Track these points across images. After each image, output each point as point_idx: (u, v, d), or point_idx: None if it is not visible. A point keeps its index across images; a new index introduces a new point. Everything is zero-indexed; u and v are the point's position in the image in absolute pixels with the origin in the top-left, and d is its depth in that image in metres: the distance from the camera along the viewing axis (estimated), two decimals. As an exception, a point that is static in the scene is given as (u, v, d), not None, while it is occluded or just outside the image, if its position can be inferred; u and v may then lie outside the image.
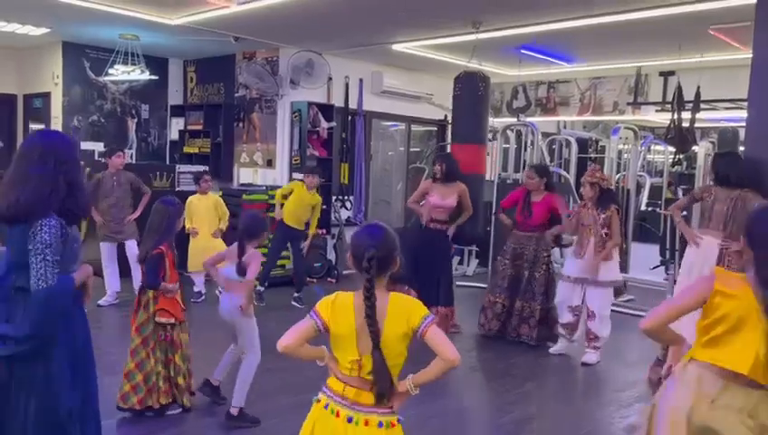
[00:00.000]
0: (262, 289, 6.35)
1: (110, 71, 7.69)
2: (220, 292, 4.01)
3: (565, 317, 5.18)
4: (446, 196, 5.45)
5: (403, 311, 1.91)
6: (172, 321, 3.59)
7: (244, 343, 3.62)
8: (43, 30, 7.30)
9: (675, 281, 5.24)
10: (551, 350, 5.23)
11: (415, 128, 9.75)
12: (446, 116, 9.13)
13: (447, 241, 5.61)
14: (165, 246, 3.54)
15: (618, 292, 6.32)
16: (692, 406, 2.02)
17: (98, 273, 6.05)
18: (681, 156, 6.64)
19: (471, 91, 6.26)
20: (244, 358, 3.60)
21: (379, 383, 1.89)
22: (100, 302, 5.97)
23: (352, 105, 8.50)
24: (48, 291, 2.07)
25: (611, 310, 5.19)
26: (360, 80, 8.53)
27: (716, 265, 4.10)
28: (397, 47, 7.46)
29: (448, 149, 8.57)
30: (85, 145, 7.78)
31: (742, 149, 6.70)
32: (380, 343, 1.87)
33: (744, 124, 6.48)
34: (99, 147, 7.94)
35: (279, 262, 6.82)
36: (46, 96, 8.24)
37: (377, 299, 1.87)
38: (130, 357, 3.57)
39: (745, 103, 5.79)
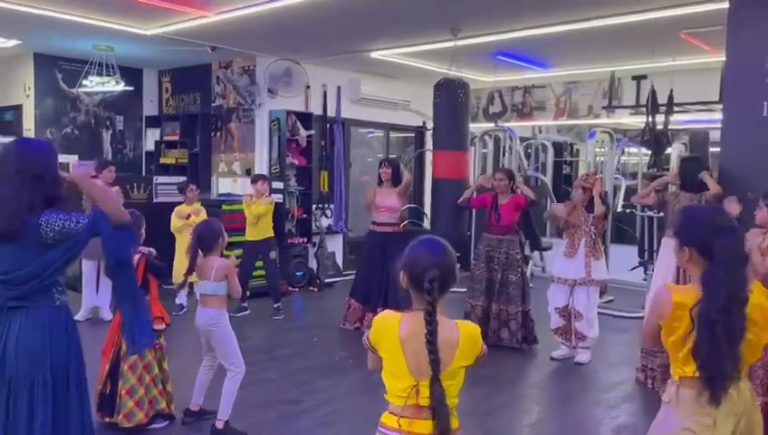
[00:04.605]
0: (245, 304, 6.39)
1: (84, 82, 7.57)
2: None
3: (554, 322, 5.22)
4: (386, 198, 5.87)
5: (475, 341, 1.83)
6: (163, 327, 3.61)
7: (223, 356, 3.56)
8: (14, 42, 7.16)
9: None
10: (553, 355, 5.21)
11: (393, 134, 9.77)
12: (424, 123, 9.16)
13: (400, 243, 5.65)
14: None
15: (600, 293, 6.39)
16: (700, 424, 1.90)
17: (76, 288, 5.97)
18: (656, 158, 6.73)
19: (451, 98, 6.30)
20: (228, 370, 3.54)
21: (440, 419, 1.73)
22: (76, 317, 5.85)
23: (331, 113, 8.48)
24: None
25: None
26: (338, 87, 8.52)
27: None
28: (374, 55, 7.48)
29: (427, 156, 8.64)
30: (59, 158, 7.60)
31: (712, 150, 6.84)
32: (441, 373, 1.72)
33: (713, 126, 6.66)
34: (73, 159, 7.79)
35: (257, 272, 6.72)
36: (18, 109, 8.08)
37: (438, 324, 1.72)
38: (131, 372, 3.49)
39: (716, 106, 5.94)
